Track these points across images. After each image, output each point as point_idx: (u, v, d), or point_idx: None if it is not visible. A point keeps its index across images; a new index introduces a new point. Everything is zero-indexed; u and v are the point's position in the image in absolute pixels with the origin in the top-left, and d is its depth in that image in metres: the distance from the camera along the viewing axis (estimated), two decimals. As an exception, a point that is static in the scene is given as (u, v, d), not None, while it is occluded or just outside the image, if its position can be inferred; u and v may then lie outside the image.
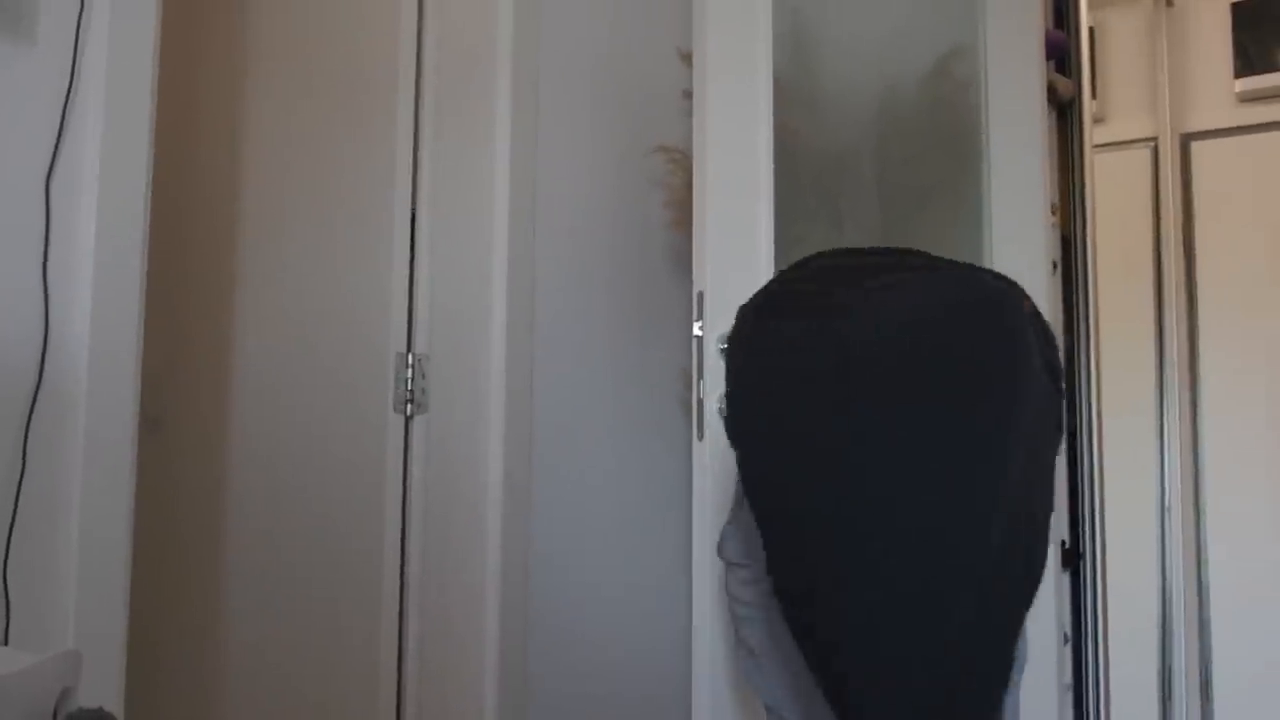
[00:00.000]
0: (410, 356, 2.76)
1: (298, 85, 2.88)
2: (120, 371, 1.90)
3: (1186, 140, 4.78)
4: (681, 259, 2.61)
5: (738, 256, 2.37)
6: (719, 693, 2.25)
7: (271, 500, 2.79)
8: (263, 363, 2.79)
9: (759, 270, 2.39)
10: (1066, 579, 3.84)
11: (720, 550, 2.01)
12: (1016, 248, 3.02)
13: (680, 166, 2.87)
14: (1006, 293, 1.51)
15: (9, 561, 1.76)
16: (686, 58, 2.48)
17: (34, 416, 1.80)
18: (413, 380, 2.75)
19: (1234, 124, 4.72)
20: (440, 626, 2.69)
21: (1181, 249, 4.72)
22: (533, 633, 2.71)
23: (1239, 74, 4.69)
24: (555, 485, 2.79)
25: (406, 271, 2.79)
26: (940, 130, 3.10)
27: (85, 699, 1.24)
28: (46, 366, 1.81)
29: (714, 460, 2.27)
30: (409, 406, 2.75)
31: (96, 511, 1.86)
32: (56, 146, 1.86)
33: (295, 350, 2.81)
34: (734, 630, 1.98)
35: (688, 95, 2.47)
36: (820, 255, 1.70)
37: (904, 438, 1.40)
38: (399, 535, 2.74)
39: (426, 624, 2.71)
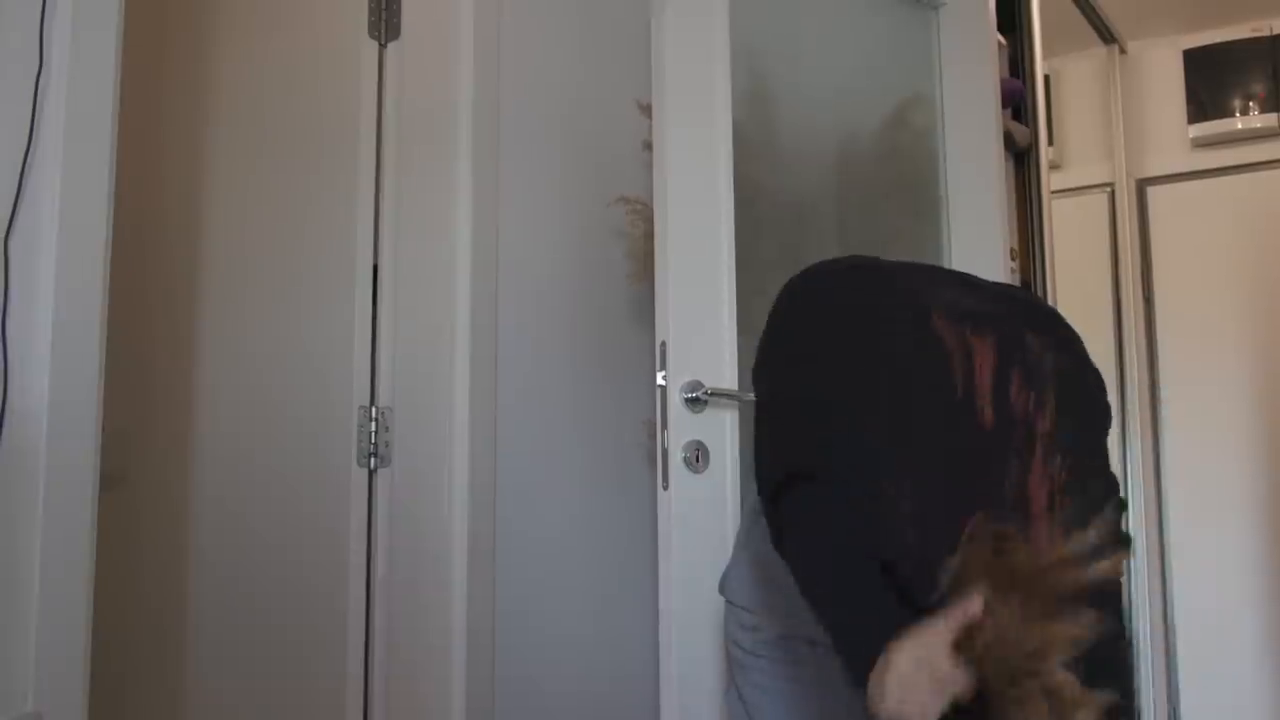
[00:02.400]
0: (373, 409, 2.75)
1: (258, 140, 2.88)
2: (80, 430, 1.89)
3: (1142, 185, 4.84)
4: (643, 309, 2.62)
5: (699, 307, 2.38)
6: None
7: (235, 556, 2.77)
8: (225, 416, 2.77)
9: (721, 320, 2.40)
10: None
11: (723, 588, 2.01)
12: (976, 294, 3.04)
13: (641, 217, 2.88)
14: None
15: (-33, 623, 1.75)
16: (646, 109, 2.49)
17: (-8, 476, 1.79)
18: (376, 433, 2.74)
19: (1189, 169, 4.79)
20: (406, 684, 2.67)
21: (1140, 292, 4.76)
22: (500, 686, 2.69)
23: (1193, 120, 4.76)
24: (520, 538, 2.78)
25: (369, 324, 2.78)
26: (899, 178, 3.12)
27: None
28: (4, 426, 1.80)
29: (680, 510, 2.27)
30: (372, 460, 2.74)
31: (56, 572, 1.84)
32: (15, 205, 1.85)
33: (258, 404, 2.79)
34: (727, 673, 1.98)
35: (648, 146, 2.48)
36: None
37: None
38: (363, 589, 2.72)
39: (392, 680, 2.68)
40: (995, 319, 1.55)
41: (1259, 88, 4.63)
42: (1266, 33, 4.62)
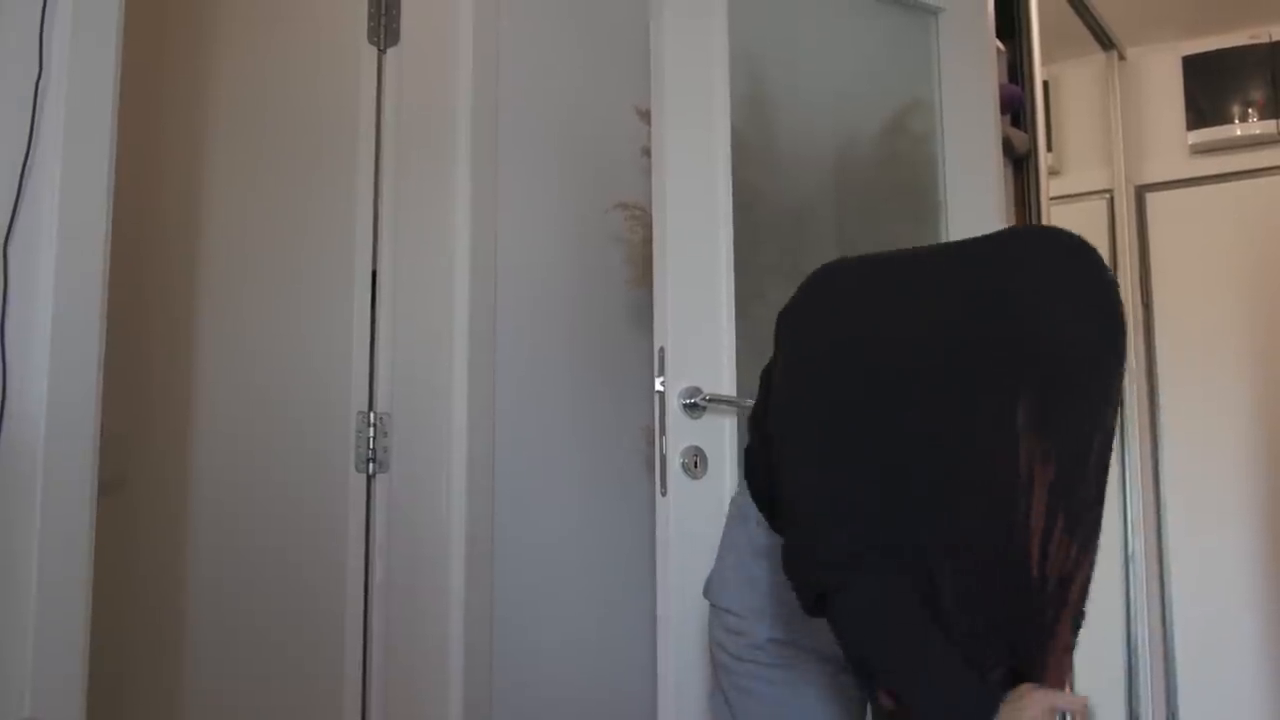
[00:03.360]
0: (372, 415, 2.75)
1: (258, 145, 2.88)
2: (79, 433, 1.89)
3: (1141, 192, 4.84)
4: (642, 315, 2.62)
5: (698, 312, 2.38)
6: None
7: (233, 560, 2.77)
8: (224, 421, 2.77)
9: (720, 325, 2.40)
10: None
11: (707, 591, 2.00)
12: (975, 300, 3.03)
13: (640, 223, 2.88)
14: None
15: (-35, 628, 1.75)
16: (645, 115, 2.50)
17: (-9, 480, 1.79)
18: (374, 439, 2.74)
19: (1188, 175, 4.79)
20: (404, 689, 2.67)
21: (1139, 298, 4.76)
22: (497, 691, 2.69)
23: (1191, 126, 4.76)
24: (518, 543, 2.78)
25: (368, 330, 2.78)
26: (898, 184, 3.12)
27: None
28: (4, 429, 1.80)
29: (678, 516, 2.27)
30: (371, 465, 2.74)
31: (54, 575, 1.84)
32: (15, 208, 1.85)
33: (257, 409, 2.80)
34: (712, 676, 1.97)
35: (646, 152, 2.48)
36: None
37: None
38: (361, 594, 2.72)
39: (390, 685, 2.68)
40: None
41: (1258, 94, 4.63)
42: (1265, 39, 4.62)
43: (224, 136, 2.82)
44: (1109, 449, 1.54)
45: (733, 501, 2.04)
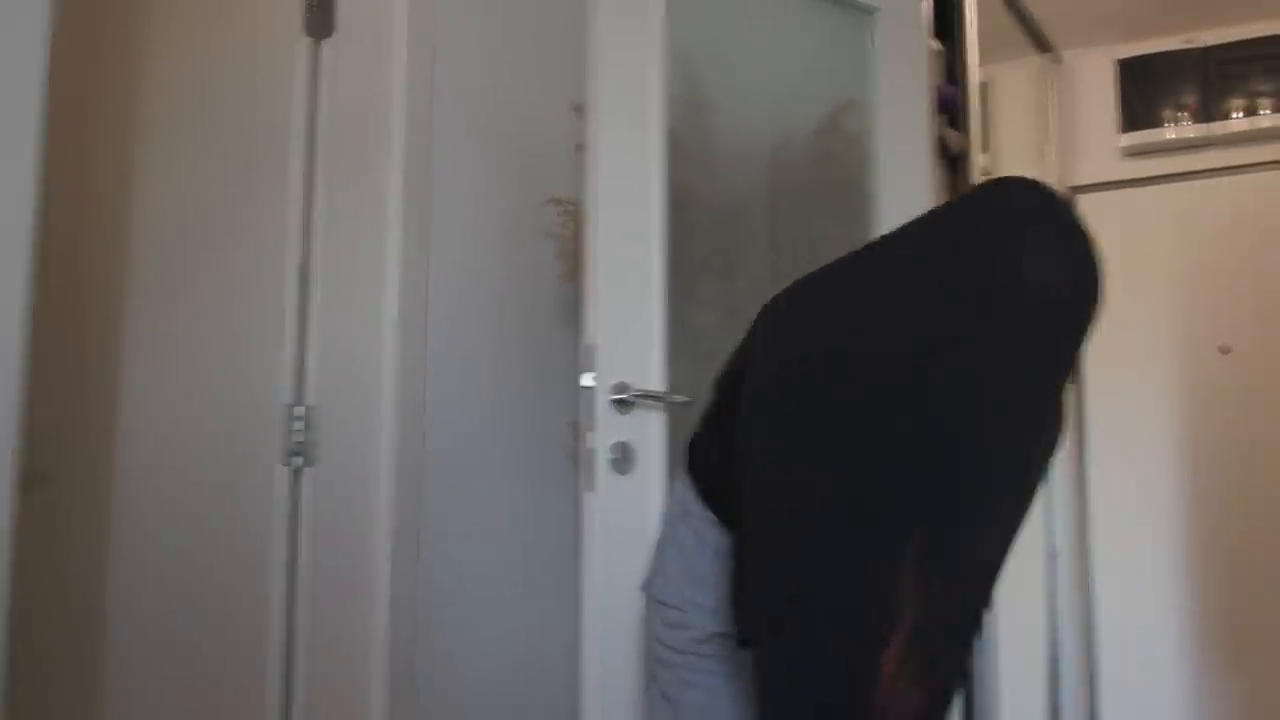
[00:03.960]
0: (300, 409, 2.74)
1: (190, 136, 2.86)
2: (1, 430, 1.87)
3: (1074, 193, 4.88)
4: (572, 310, 2.62)
5: (628, 308, 2.39)
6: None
7: (158, 554, 2.75)
8: (151, 415, 2.76)
9: (650, 322, 2.41)
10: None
11: (648, 586, 2.01)
12: (906, 299, 3.05)
13: (572, 218, 2.89)
14: None
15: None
16: (580, 110, 2.50)
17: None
18: (302, 433, 2.73)
19: (1120, 177, 4.84)
20: (328, 683, 2.66)
21: (1071, 298, 4.80)
22: (422, 684, 2.68)
23: (1124, 129, 4.81)
24: (445, 537, 2.77)
25: (297, 323, 2.76)
26: (832, 183, 3.14)
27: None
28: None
29: (604, 511, 2.28)
30: (298, 459, 2.73)
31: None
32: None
33: (184, 403, 2.78)
34: (648, 671, 1.98)
35: (580, 148, 2.48)
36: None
37: None
38: (286, 588, 2.70)
39: (314, 681, 2.67)
40: None
41: (1190, 98, 4.68)
42: (1198, 44, 4.68)
43: (157, 130, 2.80)
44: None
45: (675, 498, 2.04)
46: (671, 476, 2.29)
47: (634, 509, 2.31)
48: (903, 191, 3.10)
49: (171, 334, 2.79)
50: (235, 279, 2.83)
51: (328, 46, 2.85)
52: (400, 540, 2.64)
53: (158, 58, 2.87)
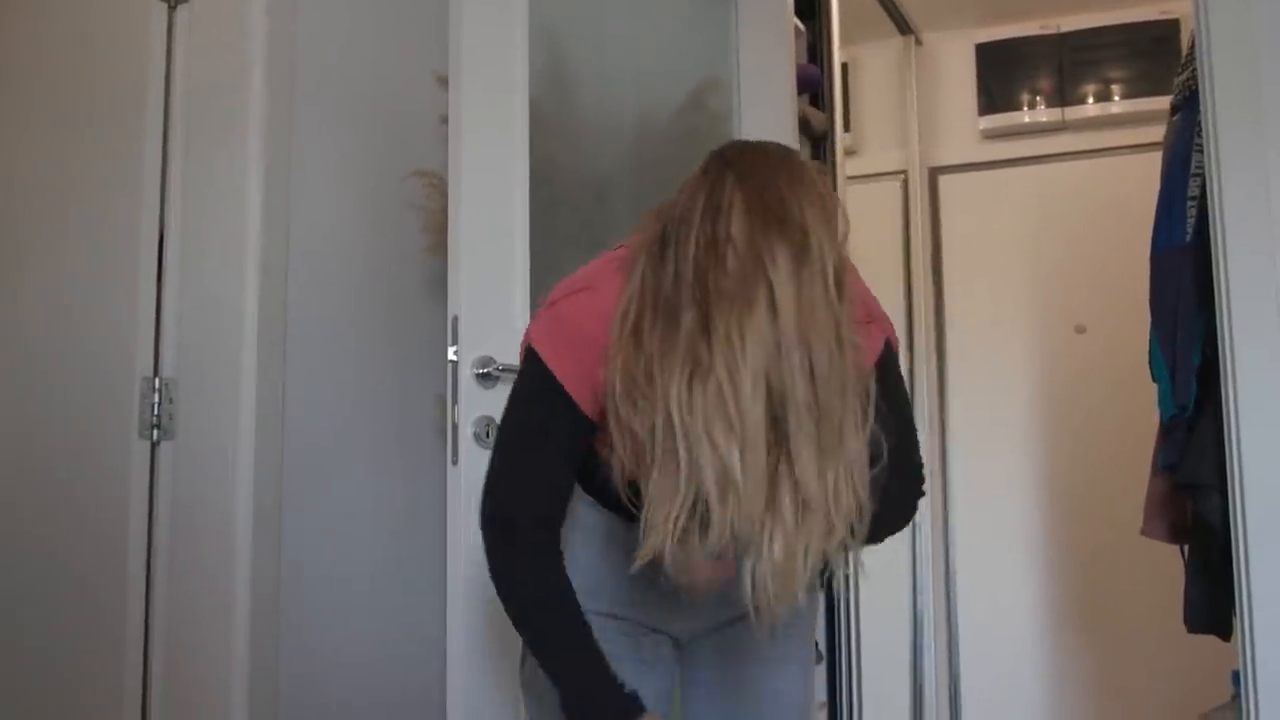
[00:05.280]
0: (157, 380, 2.69)
1: (39, 104, 2.79)
2: None
3: (935, 174, 4.97)
4: (437, 283, 2.60)
5: (492, 282, 2.38)
6: (473, 706, 2.25)
7: (10, 527, 2.69)
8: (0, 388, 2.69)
9: (514, 295, 2.40)
10: (821, 600, 3.93)
11: None
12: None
13: (438, 191, 2.86)
14: None
15: None
16: (445, 82, 2.48)
17: None
18: (159, 405, 2.67)
19: (978, 159, 4.93)
20: (187, 660, 2.62)
21: (930, 277, 4.89)
22: (285, 662, 2.65)
23: (983, 112, 4.90)
24: (308, 511, 2.74)
25: (154, 293, 2.71)
26: (695, 159, 3.15)
27: None
28: None
29: (469, 485, 2.27)
30: (155, 432, 2.67)
31: None
32: None
33: (35, 375, 2.72)
34: (524, 649, 1.97)
35: (445, 120, 2.47)
36: None
37: None
38: (144, 565, 2.65)
39: (173, 657, 2.63)
40: None
41: (1045, 83, 4.79)
42: (1054, 30, 4.78)
43: (6, 98, 2.73)
44: None
45: None
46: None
47: (498, 482, 2.30)
48: (766, 169, 3.13)
49: (21, 305, 2.72)
50: (88, 249, 2.77)
51: (183, 12, 2.79)
52: (262, 513, 2.60)
53: (9, 24, 2.79)
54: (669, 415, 1.55)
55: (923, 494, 1.91)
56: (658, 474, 1.56)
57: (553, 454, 1.76)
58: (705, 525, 1.53)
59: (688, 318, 1.58)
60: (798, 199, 1.63)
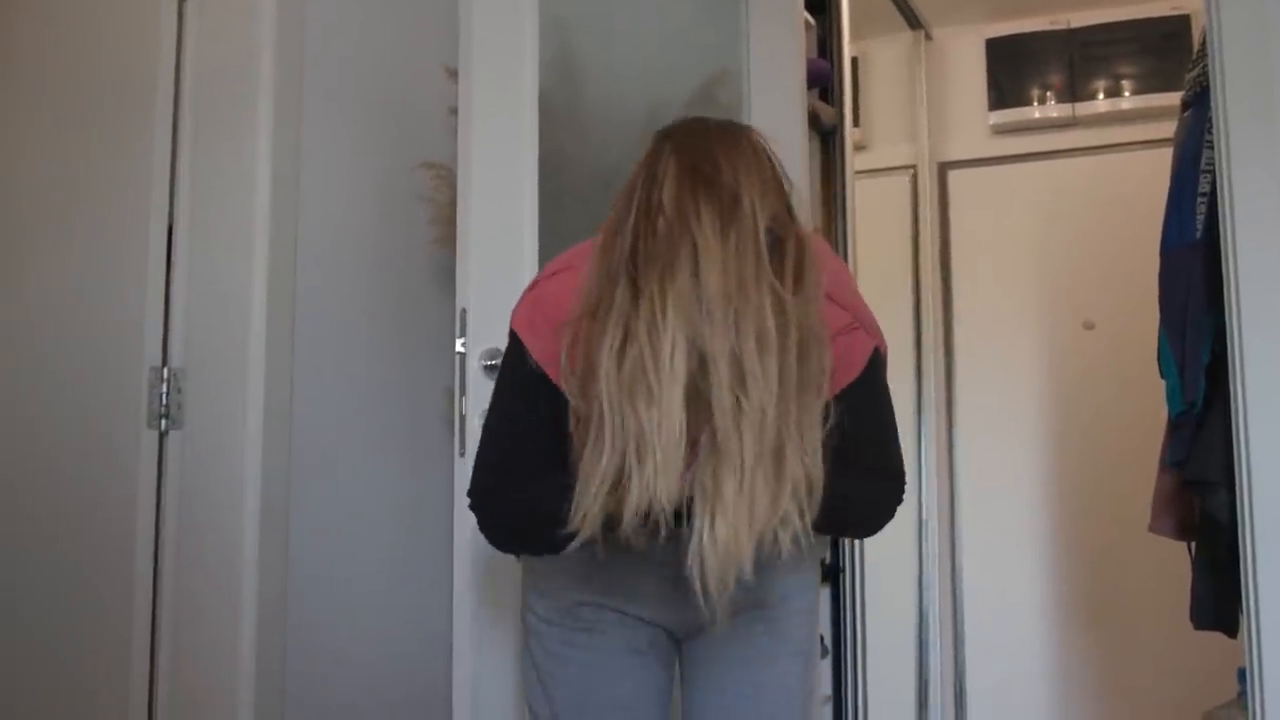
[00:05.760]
0: (165, 370, 2.69)
1: (52, 96, 2.79)
2: None
3: (944, 169, 4.96)
4: (446, 275, 2.60)
5: (501, 273, 2.37)
6: (480, 702, 2.25)
7: (15, 519, 2.70)
8: (9, 376, 2.69)
9: (522, 287, 2.40)
10: (827, 592, 3.93)
11: (519, 555, 2.01)
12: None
13: (446, 183, 2.86)
14: None
15: None
16: (453, 74, 2.48)
17: None
18: (168, 395, 2.68)
19: (988, 154, 4.92)
20: (194, 648, 2.62)
21: (939, 272, 4.89)
22: (292, 653, 2.66)
23: (993, 107, 4.89)
24: (314, 501, 2.74)
25: (163, 283, 2.71)
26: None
27: None
28: None
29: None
30: (163, 422, 2.68)
31: None
32: None
33: (42, 364, 2.72)
34: (524, 637, 1.98)
35: (454, 112, 2.46)
36: None
37: None
38: (151, 554, 2.65)
39: (179, 645, 2.63)
40: None
41: (1055, 78, 4.78)
42: (1064, 26, 4.77)
43: (19, 89, 2.73)
44: None
45: None
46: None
47: (505, 475, 2.30)
48: (775, 163, 3.12)
49: (31, 295, 2.72)
50: (98, 240, 2.77)
51: (193, 3, 2.79)
52: (269, 503, 2.61)
53: (19, 16, 2.79)
54: (600, 387, 1.56)
55: (900, 501, 1.89)
56: (590, 447, 1.57)
57: (530, 431, 1.76)
58: (627, 494, 1.53)
59: (620, 287, 1.60)
60: (730, 163, 1.64)
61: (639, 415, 1.52)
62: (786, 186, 1.71)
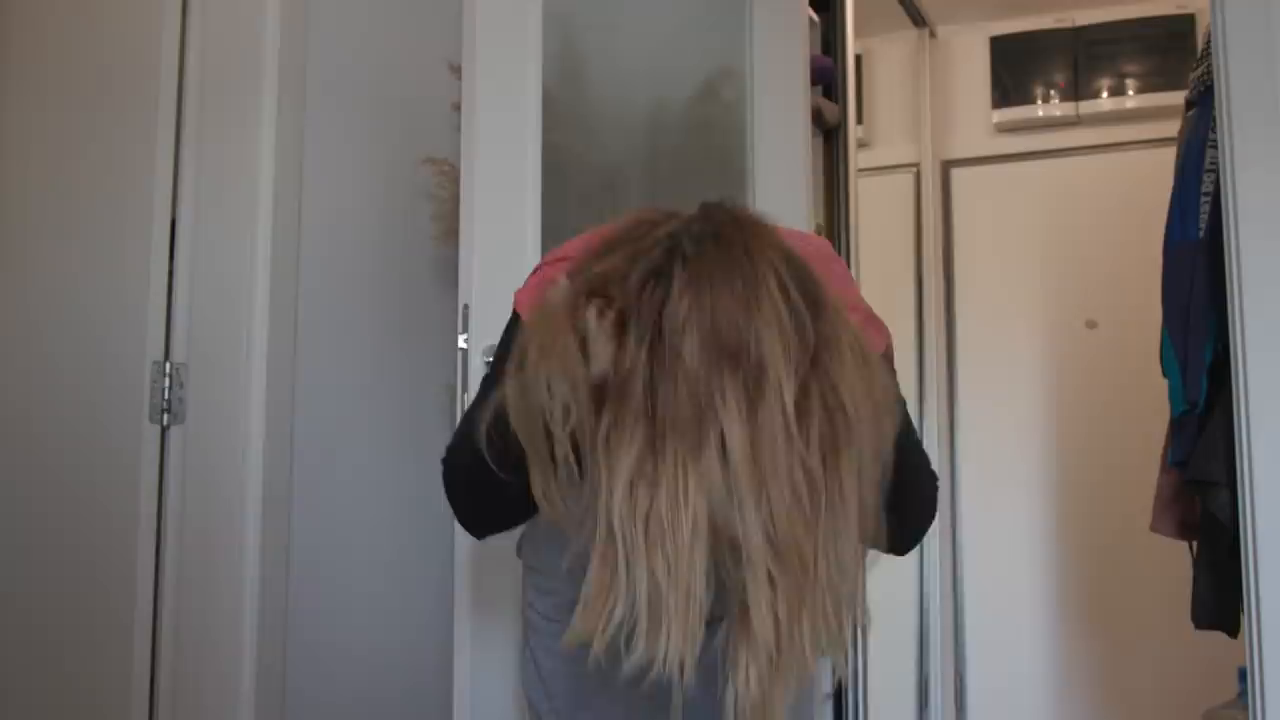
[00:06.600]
0: (168, 365, 2.69)
1: (49, 84, 2.79)
2: None
3: (947, 167, 4.96)
4: (449, 271, 2.60)
5: (504, 269, 2.37)
6: (479, 696, 2.25)
7: (17, 514, 2.70)
8: (10, 371, 2.69)
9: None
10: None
11: (519, 550, 2.01)
12: (780, 267, 3.08)
13: (449, 179, 2.86)
14: None
15: None
16: (457, 70, 2.47)
17: None
18: (170, 389, 2.68)
19: (991, 153, 4.92)
20: (197, 643, 2.62)
21: (941, 270, 4.89)
22: (292, 647, 2.66)
23: (996, 105, 4.89)
24: (316, 496, 2.74)
25: (165, 277, 2.71)
26: (709, 150, 3.15)
27: None
28: None
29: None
30: (165, 416, 2.68)
31: None
32: None
33: (44, 358, 2.72)
34: (524, 634, 1.98)
35: (457, 108, 2.46)
36: None
37: None
38: (153, 549, 2.65)
39: (181, 640, 2.63)
40: None
41: (1060, 77, 4.78)
42: (1069, 24, 4.77)
43: (20, 75, 2.72)
44: None
45: None
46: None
47: (506, 471, 2.30)
48: (779, 160, 3.13)
49: (31, 288, 2.72)
50: (99, 232, 2.77)
51: (197, -1, 2.79)
52: (271, 499, 2.61)
53: (21, 6, 2.79)
54: (608, 510, 1.43)
55: (936, 489, 1.88)
56: (597, 561, 1.46)
57: None
58: (630, 639, 1.47)
59: (639, 425, 1.44)
60: (751, 323, 1.46)
61: (656, 577, 1.42)
62: (808, 314, 1.57)
